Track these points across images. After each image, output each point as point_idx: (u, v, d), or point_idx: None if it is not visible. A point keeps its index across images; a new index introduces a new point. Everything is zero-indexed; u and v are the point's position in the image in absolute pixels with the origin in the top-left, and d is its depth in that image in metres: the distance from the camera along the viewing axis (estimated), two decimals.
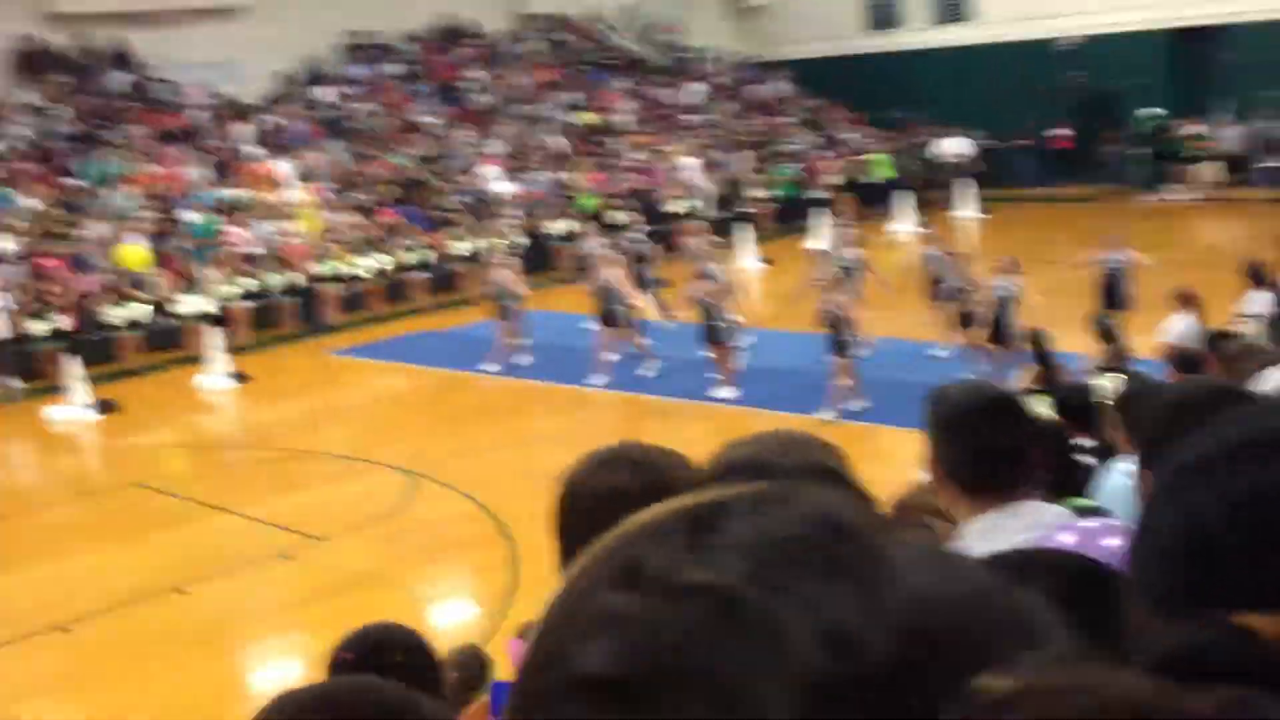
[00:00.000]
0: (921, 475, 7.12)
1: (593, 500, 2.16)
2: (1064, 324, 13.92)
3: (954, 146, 31.20)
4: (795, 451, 2.20)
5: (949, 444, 2.81)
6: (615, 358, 17.16)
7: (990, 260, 16.47)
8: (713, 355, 15.85)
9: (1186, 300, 12.10)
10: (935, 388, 3.00)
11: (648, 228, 22.66)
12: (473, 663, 4.75)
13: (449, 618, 10.54)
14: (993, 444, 2.78)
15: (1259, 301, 12.74)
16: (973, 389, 3.09)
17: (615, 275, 17.26)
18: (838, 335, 14.39)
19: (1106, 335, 12.09)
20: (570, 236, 25.10)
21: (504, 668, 3.43)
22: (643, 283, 19.22)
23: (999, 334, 14.65)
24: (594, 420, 15.56)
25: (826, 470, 2.19)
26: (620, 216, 26.28)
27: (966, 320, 15.46)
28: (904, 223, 27.21)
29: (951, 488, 2.81)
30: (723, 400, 15.27)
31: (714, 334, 15.64)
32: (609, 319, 17.00)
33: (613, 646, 0.62)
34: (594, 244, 19.88)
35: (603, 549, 0.68)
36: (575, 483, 2.25)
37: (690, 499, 0.69)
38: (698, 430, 14.11)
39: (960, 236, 26.96)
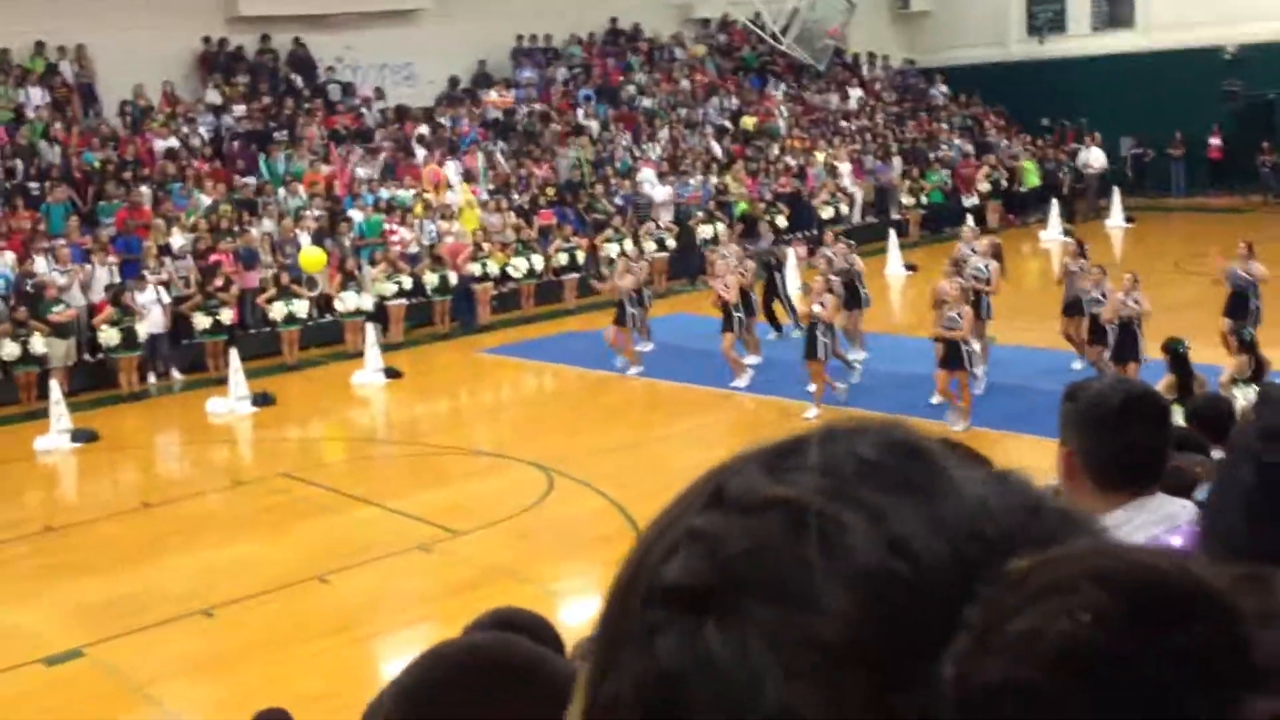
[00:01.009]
0: (1049, 482, 6.92)
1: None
2: (1204, 335, 13.56)
3: (1095, 156, 30.45)
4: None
5: (1091, 438, 2.77)
6: (754, 360, 17.31)
7: (1126, 270, 16.05)
8: (809, 369, 15.55)
9: None
10: (1074, 383, 2.97)
11: (786, 235, 22.58)
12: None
13: (580, 613, 10.58)
14: (1136, 442, 2.76)
15: None
16: (1119, 385, 3.04)
17: (729, 282, 17.30)
18: (956, 347, 14.21)
19: (1244, 347, 11.70)
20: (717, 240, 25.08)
21: None
22: (774, 291, 19.45)
23: (1120, 351, 14.13)
24: (727, 421, 15.56)
25: None
26: (769, 221, 26.25)
27: (1096, 335, 14.99)
28: (1052, 231, 26.61)
29: (1084, 482, 2.76)
30: (813, 417, 15.05)
31: (812, 349, 15.32)
32: (620, 319, 17.70)
33: (690, 558, 0.66)
34: (724, 250, 19.84)
35: (696, 481, 0.72)
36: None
37: (771, 439, 0.74)
38: None
39: (1104, 245, 26.35)
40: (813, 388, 15.43)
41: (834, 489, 0.67)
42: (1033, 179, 30.25)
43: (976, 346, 15.40)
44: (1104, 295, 14.95)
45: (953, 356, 14.33)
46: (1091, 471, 2.75)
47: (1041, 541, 0.66)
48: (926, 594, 0.64)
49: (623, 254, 22.31)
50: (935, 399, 14.62)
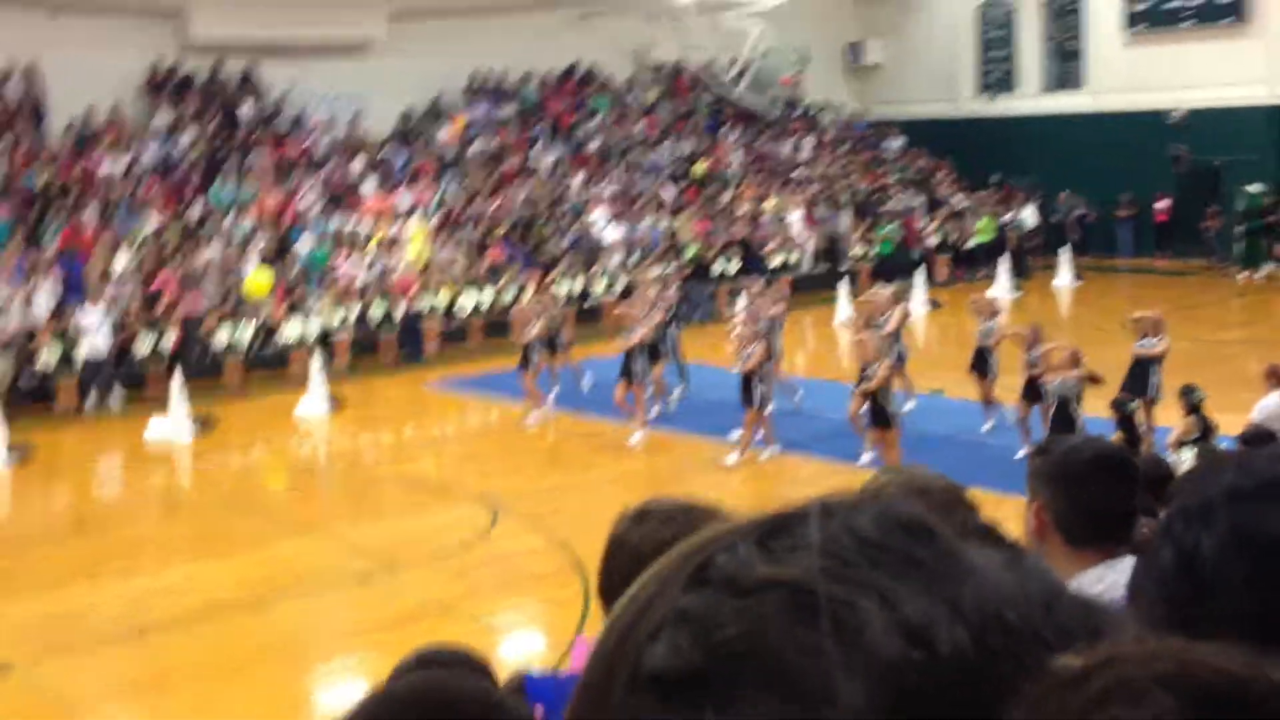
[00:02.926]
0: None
1: (633, 556, 2.17)
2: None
3: (1027, 214, 30.86)
4: (935, 491, 2.23)
5: (1063, 494, 2.76)
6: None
7: (1082, 327, 16.19)
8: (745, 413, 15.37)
9: (1277, 378, 11.76)
10: (1045, 440, 3.02)
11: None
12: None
13: (518, 649, 10.51)
14: (1108, 499, 2.75)
15: None
16: (1090, 443, 3.05)
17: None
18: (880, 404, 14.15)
19: (1192, 409, 11.83)
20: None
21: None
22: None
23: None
24: (672, 463, 15.53)
25: (961, 507, 2.20)
26: (719, 266, 26.38)
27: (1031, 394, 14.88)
28: (999, 287, 26.93)
29: (1055, 538, 2.74)
30: (733, 462, 15.03)
31: (748, 395, 15.16)
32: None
33: (679, 642, 0.62)
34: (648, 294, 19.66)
35: (675, 554, 0.68)
36: (615, 539, 2.27)
37: (765, 512, 0.69)
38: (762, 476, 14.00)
39: (1051, 304, 26.72)
40: (736, 434, 15.40)
41: (839, 571, 0.62)
42: (986, 235, 30.53)
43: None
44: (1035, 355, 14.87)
45: (878, 414, 14.14)
46: (1063, 528, 2.74)
47: (1066, 631, 0.63)
48: (946, 685, 0.59)
49: (533, 299, 21.58)
50: (865, 457, 14.57)
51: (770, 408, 15.40)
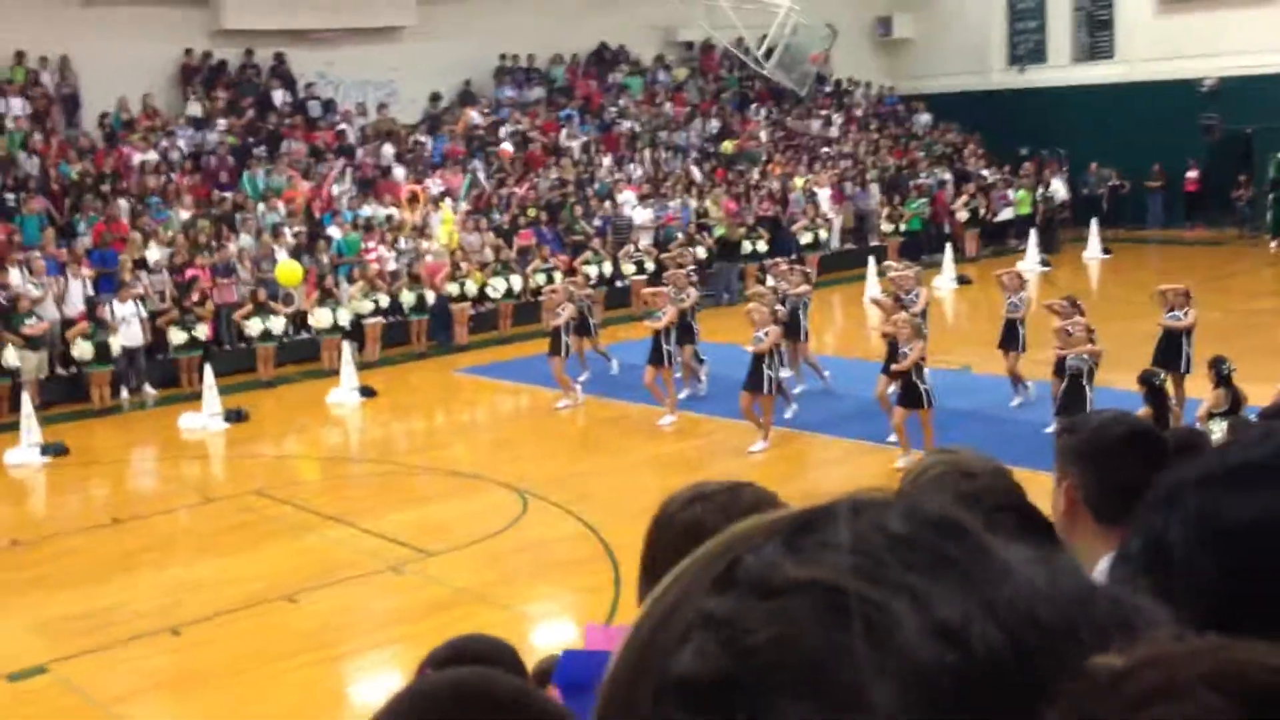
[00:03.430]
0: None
1: (676, 536, 2.17)
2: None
3: (1056, 188, 30.59)
4: (980, 474, 2.22)
5: (1093, 471, 2.76)
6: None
7: (1109, 301, 16.03)
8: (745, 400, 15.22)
9: None
10: (1073, 418, 2.99)
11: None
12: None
13: (550, 637, 10.54)
14: (1139, 476, 2.70)
15: None
16: (1121, 418, 3.03)
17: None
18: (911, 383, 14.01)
19: (1222, 381, 11.73)
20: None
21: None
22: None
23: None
24: (703, 446, 15.54)
25: (1007, 489, 2.19)
26: (748, 245, 26.31)
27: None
28: (1029, 261, 26.76)
29: (1085, 516, 2.75)
30: (758, 450, 14.95)
31: (755, 381, 15.01)
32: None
33: (707, 647, 0.61)
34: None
35: (700, 555, 0.67)
36: (660, 520, 2.26)
37: (792, 509, 0.68)
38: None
39: (1080, 277, 26.54)
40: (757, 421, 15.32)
41: (870, 570, 0.61)
42: (1025, 208, 30.31)
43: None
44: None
45: (909, 393, 14.02)
46: (1092, 505, 2.74)
47: (1101, 629, 0.62)
48: (982, 688, 0.58)
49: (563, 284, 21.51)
50: (891, 437, 14.49)
51: (775, 392, 15.23)
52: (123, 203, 23.04)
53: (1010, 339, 16.20)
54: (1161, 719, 0.55)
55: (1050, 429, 14.18)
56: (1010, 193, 30.50)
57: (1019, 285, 16.66)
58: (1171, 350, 14.58)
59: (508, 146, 28.18)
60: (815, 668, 0.58)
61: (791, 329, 17.23)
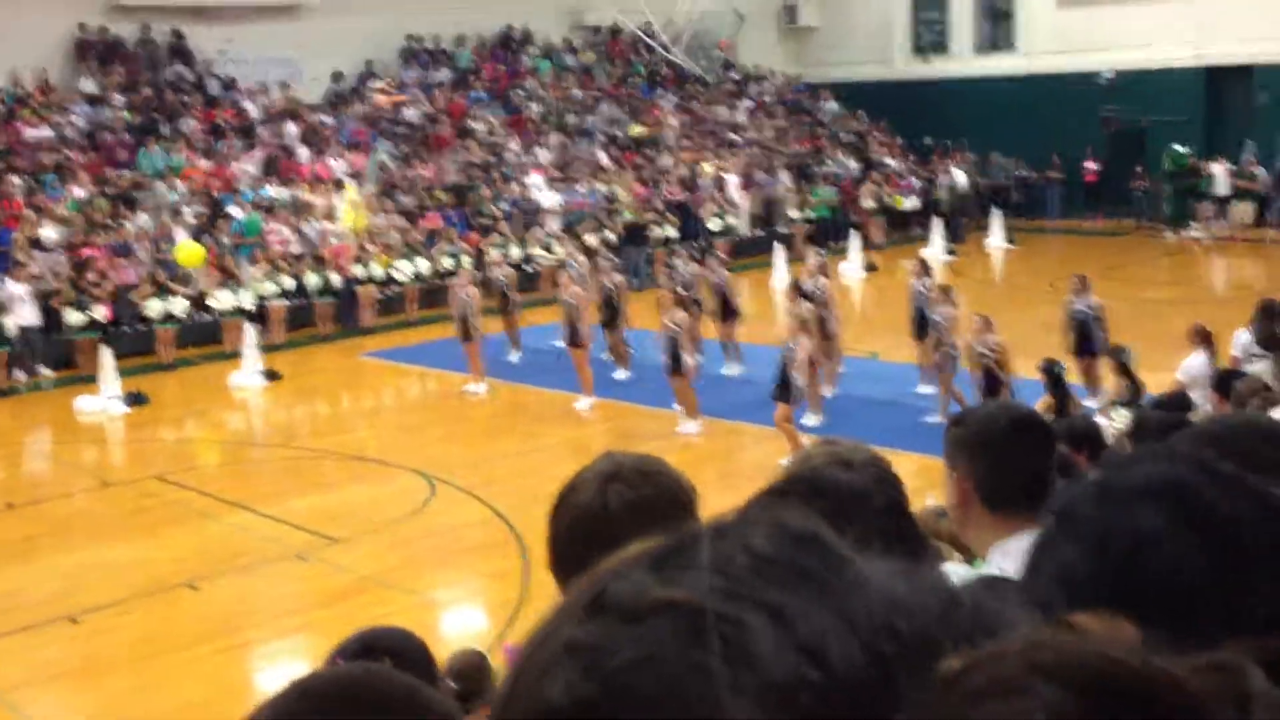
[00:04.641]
0: (929, 501, 7.00)
1: (573, 516, 2.16)
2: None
3: (956, 176, 31.04)
4: (856, 466, 2.25)
5: (982, 462, 2.79)
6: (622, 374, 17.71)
7: (1014, 289, 16.28)
8: (673, 385, 15.32)
9: (1202, 337, 11.91)
10: (960, 411, 3.04)
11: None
12: (474, 672, 4.68)
13: (458, 624, 10.51)
14: (1027, 464, 2.78)
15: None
16: (1010, 409, 3.08)
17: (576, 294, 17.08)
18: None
19: (1123, 370, 11.98)
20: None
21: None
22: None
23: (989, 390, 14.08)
24: (611, 430, 15.53)
25: (883, 485, 2.22)
26: (658, 231, 26.33)
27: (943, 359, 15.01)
28: (934, 248, 27.13)
29: (977, 507, 2.77)
30: (688, 432, 15.05)
31: (676, 364, 15.09)
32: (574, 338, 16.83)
33: (570, 675, 0.61)
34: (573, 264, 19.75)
35: (574, 589, 0.67)
36: (560, 499, 2.25)
37: (660, 537, 0.68)
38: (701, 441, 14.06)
39: (985, 265, 26.99)
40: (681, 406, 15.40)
41: (729, 588, 0.61)
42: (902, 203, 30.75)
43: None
44: (945, 320, 15.05)
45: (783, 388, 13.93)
46: (984, 495, 2.77)
47: (963, 637, 0.62)
48: (841, 700, 0.58)
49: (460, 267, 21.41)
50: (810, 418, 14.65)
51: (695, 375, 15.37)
52: (16, 179, 22.45)
53: (920, 327, 16.35)
54: (998, 713, 0.55)
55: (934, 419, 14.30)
56: (914, 181, 30.91)
57: (922, 271, 16.81)
58: (1084, 336, 14.91)
59: (381, 97, 28.01)
60: (675, 689, 0.58)
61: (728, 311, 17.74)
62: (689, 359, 15.14)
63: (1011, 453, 2.77)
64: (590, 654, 0.61)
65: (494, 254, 23.66)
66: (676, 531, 0.67)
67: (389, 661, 2.85)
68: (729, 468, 14.07)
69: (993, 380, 13.45)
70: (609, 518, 2.10)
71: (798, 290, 16.31)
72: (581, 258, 21.26)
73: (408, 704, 1.32)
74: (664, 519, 2.12)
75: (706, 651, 0.59)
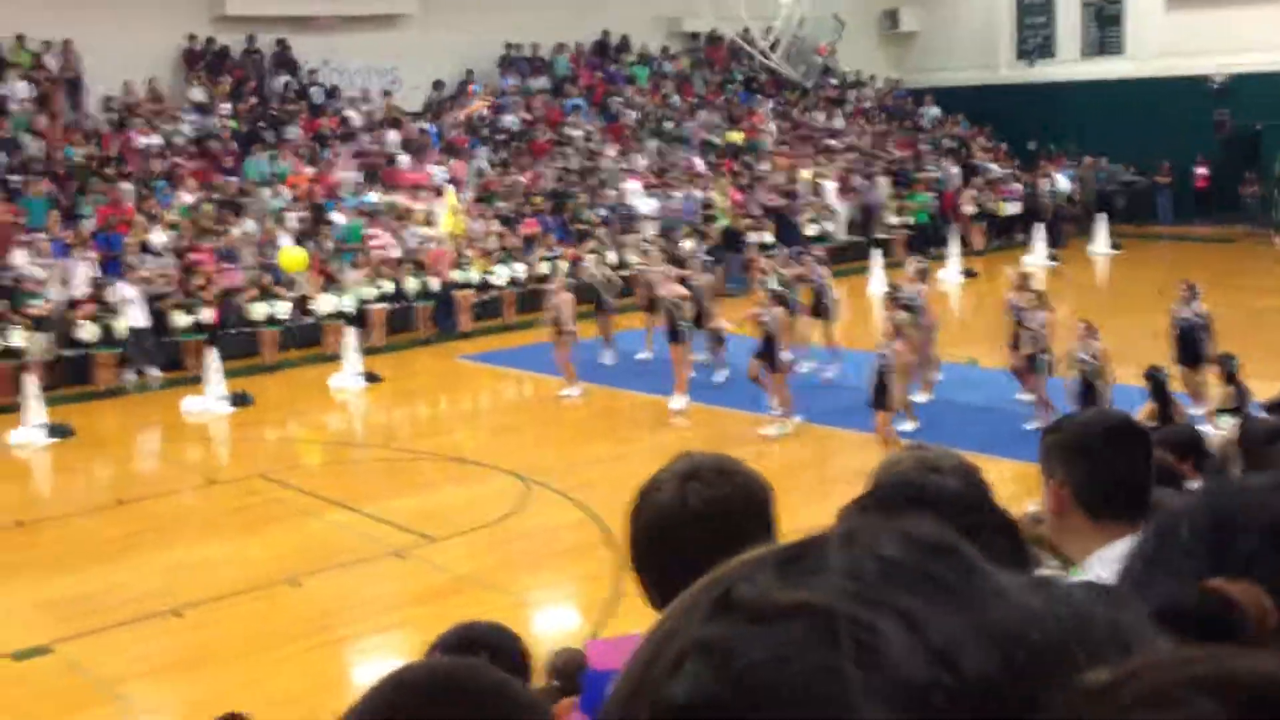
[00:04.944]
0: (1030, 507, 6.90)
1: (652, 514, 2.18)
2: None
3: (1059, 181, 30.55)
4: (945, 471, 2.26)
5: (1079, 469, 2.77)
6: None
7: (1118, 296, 15.97)
8: (761, 379, 15.53)
9: None
10: (1057, 419, 3.00)
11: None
12: (576, 670, 4.71)
13: (551, 624, 10.56)
14: (1126, 471, 2.76)
15: None
16: (1107, 416, 3.07)
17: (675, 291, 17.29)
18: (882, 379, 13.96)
19: (1229, 378, 11.73)
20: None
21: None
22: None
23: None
24: (706, 434, 15.49)
25: (973, 489, 2.22)
26: (755, 236, 26.25)
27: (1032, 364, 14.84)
28: (1037, 255, 26.75)
29: (1076, 514, 2.75)
30: (772, 433, 15.00)
31: (770, 360, 15.30)
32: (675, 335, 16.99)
33: (700, 673, 0.60)
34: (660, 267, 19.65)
35: (695, 588, 0.67)
36: (640, 498, 2.28)
37: (784, 541, 0.69)
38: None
39: (1088, 272, 26.54)
40: (773, 401, 15.45)
41: (861, 593, 0.61)
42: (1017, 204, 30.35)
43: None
44: (1039, 326, 14.84)
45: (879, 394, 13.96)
46: (1083, 502, 2.74)
47: (1097, 651, 0.62)
48: (973, 708, 0.58)
49: (556, 271, 21.86)
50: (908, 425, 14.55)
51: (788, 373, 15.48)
52: (127, 186, 23.01)
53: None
54: None
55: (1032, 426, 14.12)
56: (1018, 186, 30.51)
57: (1020, 285, 16.54)
58: (1189, 345, 14.59)
59: (477, 104, 28.26)
60: (806, 690, 0.58)
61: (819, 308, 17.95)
62: (784, 354, 15.19)
63: (1109, 460, 2.74)
64: (719, 653, 0.61)
65: (590, 259, 23.73)
66: (802, 538, 0.67)
67: (485, 655, 2.89)
68: (824, 473, 14.01)
69: (1089, 388, 13.26)
70: (687, 516, 2.13)
71: (894, 297, 16.19)
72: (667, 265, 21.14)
73: (498, 698, 1.34)
74: (742, 517, 2.14)
75: (839, 654, 0.58)
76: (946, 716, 0.58)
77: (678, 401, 16.64)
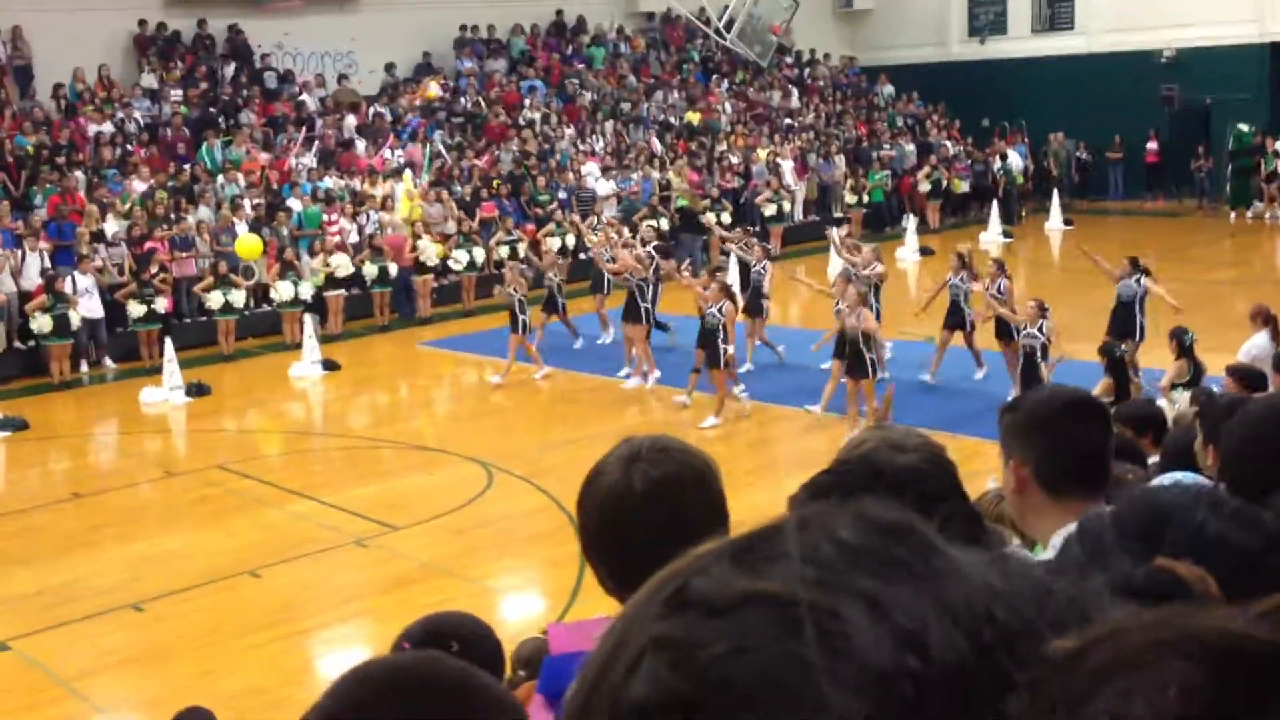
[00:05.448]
0: (990, 484, 6.96)
1: (601, 499, 2.18)
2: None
3: (1016, 160, 30.72)
4: (910, 450, 2.26)
5: (1038, 447, 2.76)
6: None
7: (1069, 273, 16.13)
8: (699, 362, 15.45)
9: (1264, 318, 11.75)
10: (1014, 398, 3.04)
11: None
12: (539, 659, 4.70)
13: (517, 610, 10.56)
14: (1085, 446, 2.75)
15: None
16: (1063, 392, 3.04)
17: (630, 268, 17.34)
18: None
19: (1184, 351, 11.83)
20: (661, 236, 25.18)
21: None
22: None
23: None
24: (669, 418, 15.51)
25: (936, 468, 2.21)
26: (712, 217, 26.24)
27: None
28: (991, 232, 26.92)
29: (1036, 492, 2.74)
30: (709, 426, 15.00)
31: (706, 344, 15.18)
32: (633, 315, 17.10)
33: (658, 671, 0.59)
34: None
35: (649, 586, 0.65)
36: (586, 486, 2.27)
37: (738, 531, 0.67)
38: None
39: (1043, 248, 26.71)
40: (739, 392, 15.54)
41: (821, 578, 0.60)
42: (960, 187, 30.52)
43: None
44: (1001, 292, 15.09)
45: (857, 363, 14.14)
46: (1043, 481, 2.74)
47: (1060, 623, 0.61)
48: (943, 690, 0.57)
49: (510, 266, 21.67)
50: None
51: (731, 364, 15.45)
52: (79, 175, 22.76)
53: (955, 316, 16.30)
54: (1128, 689, 0.54)
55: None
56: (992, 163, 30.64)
57: (959, 267, 16.69)
58: (1123, 320, 14.75)
59: (434, 89, 28.07)
60: (771, 682, 0.57)
61: (753, 304, 17.44)
62: (729, 349, 15.13)
63: (1067, 435, 2.73)
64: (678, 649, 0.59)
65: (549, 245, 23.59)
66: (755, 527, 0.65)
67: (456, 646, 2.88)
68: (776, 455, 14.06)
69: (1031, 366, 13.39)
70: (635, 498, 2.13)
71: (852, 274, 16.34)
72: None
73: (462, 691, 1.34)
74: (689, 494, 2.15)
75: (802, 642, 0.57)
76: (917, 700, 0.57)
77: (633, 383, 16.69)
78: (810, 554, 0.61)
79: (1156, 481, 4.47)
